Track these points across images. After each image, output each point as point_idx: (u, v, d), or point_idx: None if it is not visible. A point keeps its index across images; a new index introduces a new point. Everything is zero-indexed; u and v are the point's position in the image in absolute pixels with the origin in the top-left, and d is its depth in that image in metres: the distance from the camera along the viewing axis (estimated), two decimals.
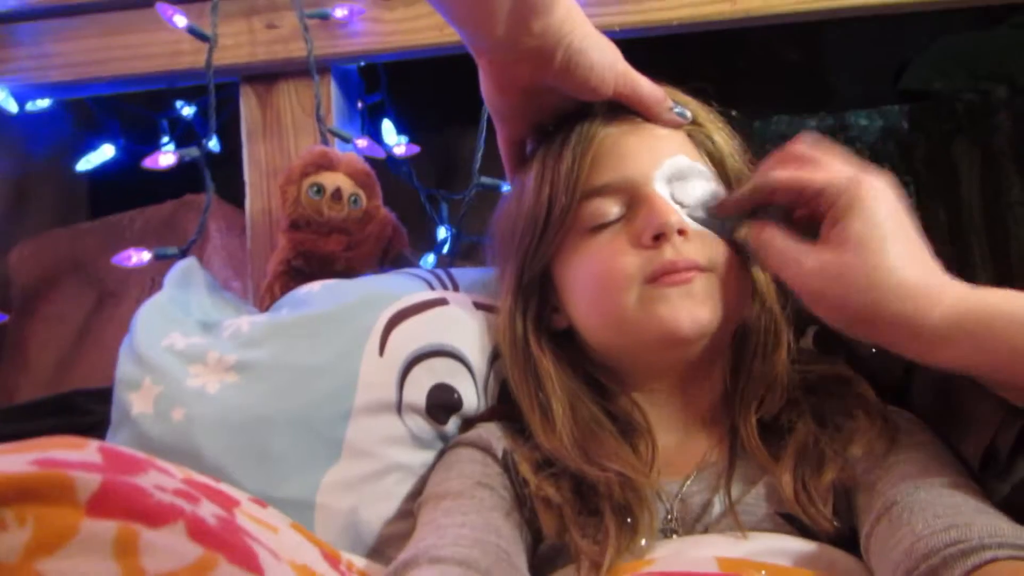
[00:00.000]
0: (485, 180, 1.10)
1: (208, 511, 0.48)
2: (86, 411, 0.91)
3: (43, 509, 0.41)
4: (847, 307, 0.62)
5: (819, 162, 0.67)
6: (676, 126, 0.76)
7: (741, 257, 0.73)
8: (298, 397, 0.76)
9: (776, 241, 0.67)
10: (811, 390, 0.73)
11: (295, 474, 0.74)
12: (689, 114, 0.76)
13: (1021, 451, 0.64)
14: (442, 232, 1.25)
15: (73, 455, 0.45)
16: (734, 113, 0.81)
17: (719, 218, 0.72)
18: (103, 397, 0.83)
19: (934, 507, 0.57)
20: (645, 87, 0.74)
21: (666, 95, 0.76)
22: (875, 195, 0.62)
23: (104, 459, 0.46)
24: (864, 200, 0.62)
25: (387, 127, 1.27)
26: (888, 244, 0.61)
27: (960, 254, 2.01)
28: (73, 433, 0.50)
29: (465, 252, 1.28)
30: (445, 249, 1.23)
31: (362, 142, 1.10)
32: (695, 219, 0.71)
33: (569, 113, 0.76)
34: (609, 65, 0.72)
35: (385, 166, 1.20)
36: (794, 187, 0.67)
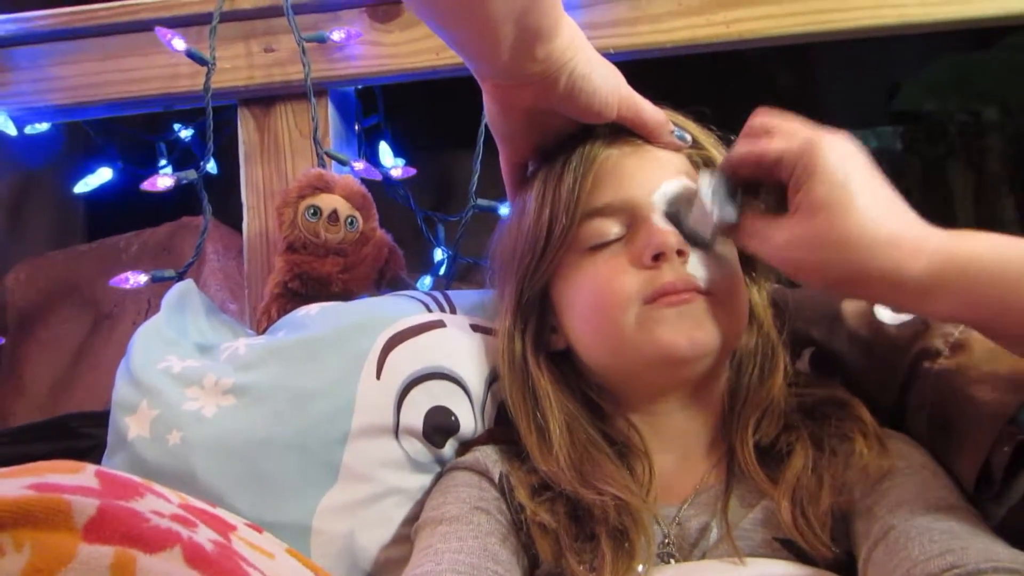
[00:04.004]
0: (481, 202, 1.10)
1: (205, 536, 0.47)
2: (82, 435, 0.91)
3: (40, 534, 0.41)
4: (828, 271, 0.61)
5: (775, 131, 0.66)
6: (676, 149, 0.76)
7: (739, 279, 0.73)
8: (295, 420, 0.75)
9: (744, 220, 0.67)
10: (808, 413, 0.73)
11: (292, 498, 0.73)
12: (689, 137, 0.77)
13: (1015, 473, 0.64)
14: (439, 254, 1.26)
15: (70, 479, 0.45)
16: (733, 138, 0.81)
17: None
18: (99, 420, 0.83)
19: (930, 532, 0.57)
20: (647, 110, 0.75)
21: (667, 118, 0.76)
22: (832, 155, 0.61)
23: (101, 483, 0.46)
24: (821, 162, 0.61)
25: (384, 149, 1.28)
26: (855, 201, 0.59)
27: None
28: (69, 457, 0.50)
29: (462, 274, 1.28)
30: (442, 271, 1.24)
31: (359, 164, 1.10)
32: (684, 230, 0.71)
33: (571, 135, 0.76)
34: (612, 89, 0.73)
35: (382, 188, 1.20)
36: (751, 160, 0.66)
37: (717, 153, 0.78)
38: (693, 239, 0.71)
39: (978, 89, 1.96)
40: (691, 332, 0.69)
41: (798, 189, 0.62)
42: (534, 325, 0.78)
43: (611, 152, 0.74)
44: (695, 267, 0.70)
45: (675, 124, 0.77)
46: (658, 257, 0.69)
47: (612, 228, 0.73)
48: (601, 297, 0.71)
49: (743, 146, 0.67)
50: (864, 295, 0.63)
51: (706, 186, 0.69)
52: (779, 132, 0.66)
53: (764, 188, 0.68)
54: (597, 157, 0.74)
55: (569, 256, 0.74)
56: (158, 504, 0.48)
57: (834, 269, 0.61)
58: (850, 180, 0.60)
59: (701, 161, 0.78)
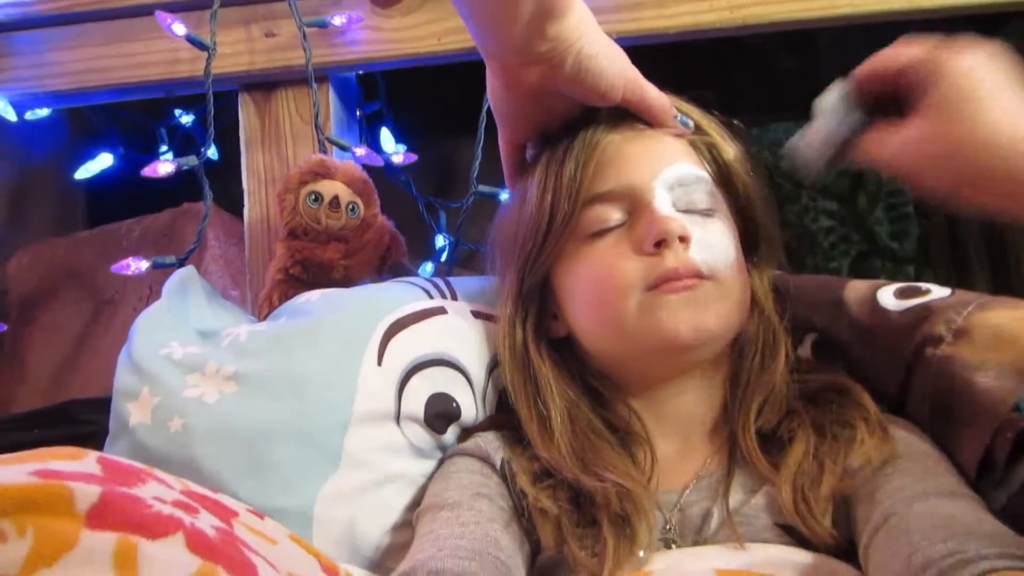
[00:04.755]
0: (483, 188, 1.10)
1: (207, 522, 0.47)
2: (84, 421, 0.91)
3: (42, 520, 0.41)
4: (948, 173, 0.57)
5: (903, 46, 0.63)
6: (679, 135, 0.76)
7: (741, 264, 0.74)
8: (296, 407, 0.75)
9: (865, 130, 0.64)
10: (810, 399, 0.73)
11: (293, 484, 0.73)
12: (692, 123, 0.77)
13: (1018, 459, 0.64)
14: (440, 240, 1.26)
15: (72, 466, 0.45)
16: (736, 122, 0.81)
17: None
18: (101, 407, 0.83)
19: (932, 518, 0.57)
20: (652, 94, 0.74)
21: (671, 103, 0.76)
22: (964, 58, 0.58)
23: (103, 470, 0.46)
24: (948, 65, 0.57)
25: (385, 135, 1.28)
26: (986, 100, 0.55)
27: (958, 259, 2.02)
28: (71, 443, 0.50)
29: (464, 260, 1.28)
30: (443, 257, 1.24)
31: (360, 150, 1.10)
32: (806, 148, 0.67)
33: (573, 118, 0.76)
34: (619, 72, 0.72)
35: (383, 174, 1.20)
36: (877, 73, 0.63)
37: (720, 138, 0.78)
38: (809, 163, 0.67)
39: None
40: (694, 318, 0.69)
41: (921, 96, 0.59)
42: (535, 312, 0.78)
43: (613, 137, 0.74)
44: (697, 252, 0.70)
45: (678, 109, 0.76)
46: (660, 244, 0.69)
47: (614, 214, 0.73)
48: (603, 284, 0.71)
49: (868, 62, 0.64)
50: (985, 198, 0.58)
51: (830, 98, 0.66)
52: (906, 46, 0.63)
53: (890, 106, 0.64)
54: (599, 143, 0.74)
55: (570, 243, 0.74)
56: (160, 490, 0.48)
57: (955, 170, 0.57)
58: (983, 81, 0.57)
59: (704, 146, 0.77)
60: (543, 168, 0.75)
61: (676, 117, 0.76)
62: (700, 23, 1.06)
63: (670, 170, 0.73)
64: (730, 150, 0.78)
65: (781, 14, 1.05)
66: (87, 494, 0.42)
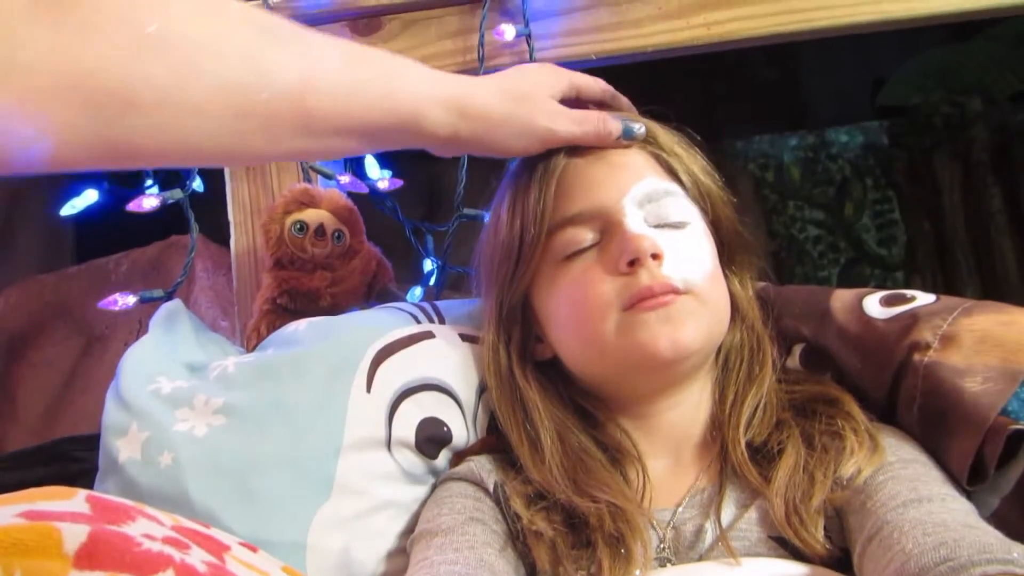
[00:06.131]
0: (467, 212, 1.10)
1: (198, 558, 0.47)
2: (75, 459, 0.90)
3: (31, 562, 0.41)
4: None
5: None
6: (628, 145, 0.76)
7: (717, 274, 0.74)
8: (286, 437, 0.75)
9: None
10: (799, 410, 0.73)
11: (285, 515, 0.73)
12: (641, 127, 0.76)
13: (1007, 463, 0.64)
14: (428, 264, 1.26)
15: (60, 506, 0.45)
16: (698, 137, 0.82)
17: None
18: (92, 444, 0.83)
19: (923, 525, 0.57)
20: (577, 135, 0.74)
21: (609, 132, 0.75)
22: None
23: (92, 509, 0.46)
24: None
25: (370, 162, 1.28)
26: None
27: (946, 264, 2.03)
28: (63, 481, 0.50)
29: (453, 283, 1.28)
30: (432, 281, 1.24)
31: (344, 178, 1.10)
32: None
33: None
34: (537, 140, 0.74)
35: (369, 201, 1.20)
36: None
37: (681, 150, 0.78)
38: None
39: (961, 81, 1.97)
40: (672, 334, 0.69)
41: None
42: (518, 336, 0.78)
43: (574, 160, 0.75)
44: (671, 267, 0.70)
45: (627, 117, 0.76)
46: (633, 263, 0.69)
47: (586, 235, 0.73)
48: (580, 307, 0.71)
49: None
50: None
51: None
52: None
53: None
54: (559, 167, 0.75)
55: (545, 266, 0.74)
56: (150, 527, 0.48)
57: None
58: None
59: (667, 160, 0.77)
60: (511, 194, 0.77)
61: (619, 136, 0.75)
62: (677, 41, 1.07)
63: (638, 187, 0.73)
64: (693, 162, 0.78)
65: (756, 30, 1.06)
66: (75, 534, 0.42)
